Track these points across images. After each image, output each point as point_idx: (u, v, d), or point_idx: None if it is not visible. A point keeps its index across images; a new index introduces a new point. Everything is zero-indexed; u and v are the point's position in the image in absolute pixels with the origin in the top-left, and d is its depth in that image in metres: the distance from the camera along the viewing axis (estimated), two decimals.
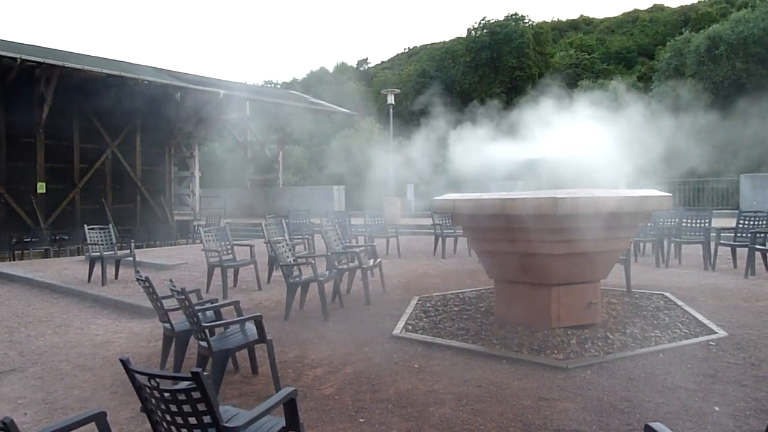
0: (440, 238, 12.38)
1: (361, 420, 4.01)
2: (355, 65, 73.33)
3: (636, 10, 65.39)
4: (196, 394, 2.50)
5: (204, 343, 4.51)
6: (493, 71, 44.50)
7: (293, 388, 3.05)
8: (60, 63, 17.45)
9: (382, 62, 73.23)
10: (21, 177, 18.73)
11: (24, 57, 16.45)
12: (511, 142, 8.39)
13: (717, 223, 10.38)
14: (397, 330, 6.15)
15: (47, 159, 19.15)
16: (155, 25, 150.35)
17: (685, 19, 50.70)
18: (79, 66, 17.99)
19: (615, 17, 66.37)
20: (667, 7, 62.82)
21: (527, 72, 43.54)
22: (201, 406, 2.52)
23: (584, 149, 7.44)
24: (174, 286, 4.59)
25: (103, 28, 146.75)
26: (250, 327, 4.81)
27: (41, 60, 17.07)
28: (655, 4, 65.28)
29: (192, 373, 2.46)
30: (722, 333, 5.59)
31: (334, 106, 30.28)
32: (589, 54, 50.09)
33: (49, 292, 9.91)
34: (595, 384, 4.45)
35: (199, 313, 4.66)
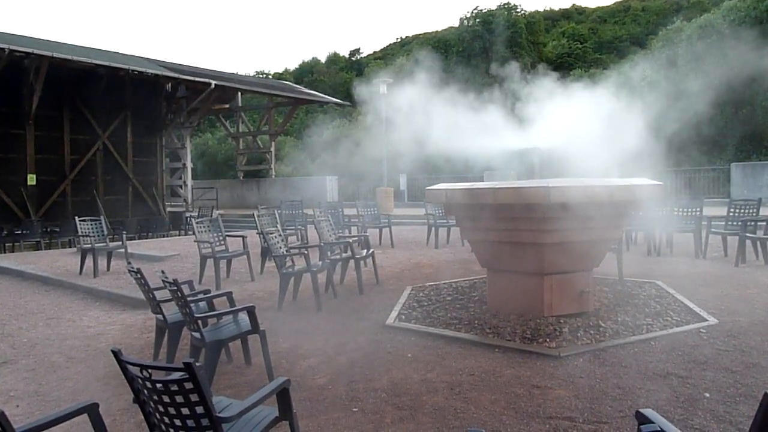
0: (433, 228, 12.39)
1: (354, 409, 4.02)
2: (347, 55, 73.12)
3: None
4: (188, 385, 2.49)
5: (197, 334, 4.51)
6: (486, 61, 44.43)
7: (286, 378, 3.05)
8: (49, 53, 17.21)
9: (374, 52, 72.97)
10: (11, 169, 18.54)
11: (12, 47, 16.20)
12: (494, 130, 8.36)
13: (708, 211, 10.42)
14: (391, 320, 6.17)
15: (37, 150, 19.00)
16: (146, 15, 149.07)
17: (677, 8, 50.66)
18: (68, 56, 17.75)
19: (607, 6, 66.36)
20: None
21: (520, 62, 43.50)
22: (194, 397, 2.52)
23: (575, 138, 7.44)
24: (166, 278, 4.57)
25: (93, 18, 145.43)
26: (243, 318, 4.80)
27: (30, 50, 16.83)
28: None
29: (185, 363, 2.46)
30: (713, 320, 5.63)
31: (326, 97, 30.16)
32: (581, 44, 50.10)
33: (40, 284, 9.86)
34: (587, 371, 4.48)
35: (192, 304, 4.65)
